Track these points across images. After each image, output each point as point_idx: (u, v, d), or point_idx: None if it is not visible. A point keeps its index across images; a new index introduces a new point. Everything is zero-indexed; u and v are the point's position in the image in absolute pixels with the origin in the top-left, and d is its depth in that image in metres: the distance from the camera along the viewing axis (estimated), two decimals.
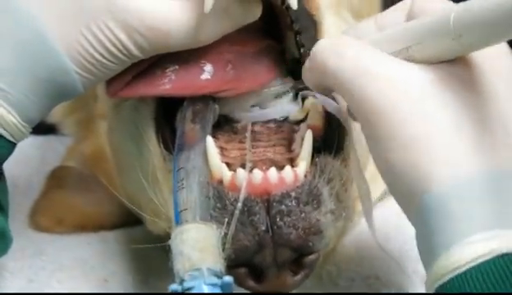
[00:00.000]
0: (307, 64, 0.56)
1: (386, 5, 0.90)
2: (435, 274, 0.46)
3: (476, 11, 0.46)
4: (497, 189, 0.46)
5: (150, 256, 0.74)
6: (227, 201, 0.56)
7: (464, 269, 0.44)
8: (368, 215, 0.63)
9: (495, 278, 0.44)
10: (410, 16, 0.54)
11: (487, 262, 0.44)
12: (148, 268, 0.75)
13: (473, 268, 0.44)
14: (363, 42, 0.53)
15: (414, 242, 0.53)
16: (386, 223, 0.65)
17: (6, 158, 0.60)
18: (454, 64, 0.49)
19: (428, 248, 0.47)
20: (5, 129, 0.57)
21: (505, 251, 0.44)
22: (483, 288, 0.43)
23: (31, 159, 0.92)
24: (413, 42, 0.50)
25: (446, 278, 0.45)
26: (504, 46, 0.50)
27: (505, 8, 0.43)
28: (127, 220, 0.80)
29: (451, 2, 0.53)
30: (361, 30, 0.57)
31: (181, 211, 0.54)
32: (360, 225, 0.68)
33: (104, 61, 0.58)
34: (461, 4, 0.47)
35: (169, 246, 0.54)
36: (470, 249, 0.44)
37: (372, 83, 0.49)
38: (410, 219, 0.50)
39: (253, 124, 0.63)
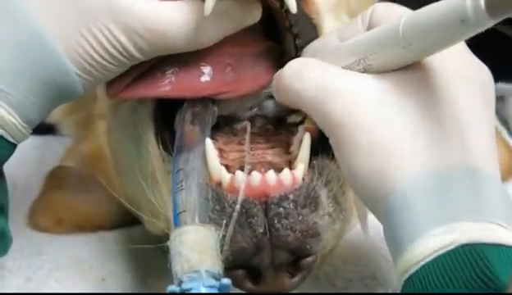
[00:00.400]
0: (274, 85, 0.59)
1: None
2: (402, 268, 0.49)
3: (422, 19, 0.48)
4: (451, 186, 0.49)
5: (148, 256, 0.74)
6: (226, 204, 0.56)
7: (428, 260, 0.47)
8: (363, 217, 0.63)
9: (456, 267, 0.46)
10: (370, 27, 0.56)
11: (450, 252, 0.47)
12: (146, 268, 0.75)
13: (437, 258, 0.47)
14: (322, 60, 0.56)
15: None
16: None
17: (7, 159, 0.60)
18: (408, 70, 0.52)
19: (395, 245, 0.50)
20: (5, 130, 0.57)
21: (464, 241, 0.46)
22: (446, 278, 0.46)
23: (30, 159, 0.92)
24: (368, 52, 0.53)
25: (412, 270, 0.48)
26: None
27: (448, 14, 0.45)
28: (126, 220, 0.80)
29: (410, 11, 0.54)
30: (324, 43, 0.60)
31: (180, 213, 0.54)
32: (357, 227, 0.68)
33: (104, 62, 0.58)
34: (409, 13, 0.50)
35: (167, 247, 0.54)
36: (432, 242, 0.47)
37: (332, 98, 0.53)
38: (378, 219, 0.53)
39: (252, 125, 0.63)
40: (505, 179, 0.82)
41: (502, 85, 0.99)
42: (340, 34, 0.58)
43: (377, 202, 0.51)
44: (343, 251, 0.74)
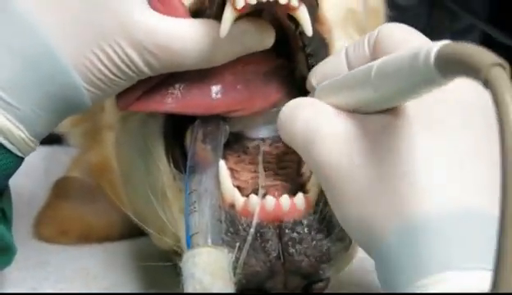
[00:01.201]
0: (277, 127, 0.58)
1: (391, 20, 0.90)
2: None
3: (388, 64, 0.46)
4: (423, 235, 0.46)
5: (153, 268, 0.74)
6: (240, 227, 0.56)
7: None
8: None
9: None
10: (375, 49, 0.54)
11: None
12: (150, 280, 0.75)
13: None
14: (315, 99, 0.55)
15: None
16: None
17: (14, 172, 0.60)
18: (387, 112, 0.49)
19: (391, 285, 0.48)
20: (13, 144, 0.57)
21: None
22: None
23: (36, 169, 0.92)
24: (349, 91, 0.51)
25: None
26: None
27: (406, 66, 0.43)
28: (131, 231, 0.80)
29: (413, 31, 0.54)
30: (331, 67, 0.59)
31: (193, 235, 0.55)
32: None
33: (113, 77, 0.58)
34: (383, 57, 0.47)
35: (179, 267, 0.54)
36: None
37: (314, 145, 0.51)
38: (372, 257, 0.51)
39: (263, 143, 0.63)
40: None
41: None
42: (348, 53, 0.57)
43: (370, 247, 0.50)
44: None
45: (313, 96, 0.58)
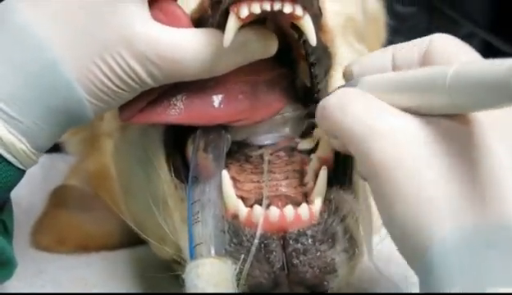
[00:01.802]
0: (318, 113, 0.56)
1: (391, 28, 0.91)
2: None
3: (470, 74, 0.46)
4: (486, 245, 0.46)
5: (152, 277, 0.74)
6: (244, 237, 0.55)
7: None
8: (368, 240, 0.63)
9: None
10: (427, 56, 0.54)
11: None
12: (149, 289, 0.75)
13: None
14: (366, 93, 0.54)
15: None
16: (389, 249, 0.65)
17: (15, 185, 0.60)
18: (454, 117, 0.50)
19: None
20: (15, 157, 0.57)
21: None
22: None
23: (34, 177, 0.91)
24: (413, 92, 0.51)
25: None
26: None
27: (499, 74, 0.43)
28: (129, 239, 0.80)
29: (465, 45, 0.54)
30: (374, 61, 0.58)
31: (196, 245, 0.54)
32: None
33: (116, 89, 0.57)
34: (460, 63, 0.47)
35: (182, 278, 0.53)
36: None
37: (372, 139, 0.50)
38: (414, 269, 0.51)
39: (266, 152, 0.63)
40: None
41: None
42: (395, 53, 0.57)
43: (415, 254, 0.49)
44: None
45: (351, 85, 0.57)
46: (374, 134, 0.50)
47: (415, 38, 0.56)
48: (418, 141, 0.49)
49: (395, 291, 0.70)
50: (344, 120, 0.52)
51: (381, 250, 0.63)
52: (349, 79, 0.59)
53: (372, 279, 0.76)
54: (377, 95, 0.53)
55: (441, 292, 0.46)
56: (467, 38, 1.00)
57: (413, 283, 0.71)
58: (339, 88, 0.58)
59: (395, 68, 0.56)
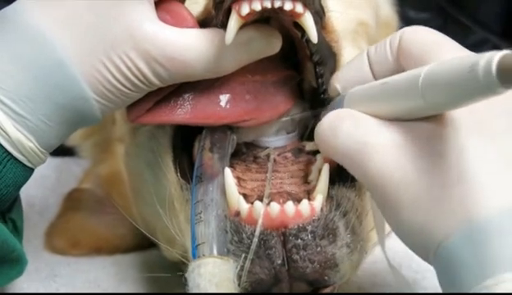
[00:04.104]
0: (315, 137, 0.57)
1: None
2: None
3: (439, 72, 0.46)
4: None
5: (162, 280, 0.74)
6: (244, 235, 0.56)
7: None
8: (382, 241, 0.63)
9: None
10: (400, 51, 0.55)
11: None
12: (160, 291, 0.75)
13: None
14: (354, 112, 0.54)
15: (426, 271, 0.52)
16: (398, 252, 0.65)
17: (24, 183, 0.61)
18: (432, 119, 0.50)
19: (456, 286, 0.48)
20: (23, 156, 0.58)
21: None
22: None
23: (47, 180, 0.92)
24: (393, 100, 0.51)
25: None
26: None
27: (464, 70, 0.43)
28: (142, 243, 0.80)
29: (438, 33, 0.54)
30: (353, 70, 0.59)
31: (199, 245, 0.55)
32: (373, 255, 0.68)
33: (123, 89, 0.58)
34: (432, 64, 0.48)
35: (185, 278, 0.54)
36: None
37: (367, 155, 0.51)
38: (429, 263, 0.52)
39: (273, 152, 0.63)
40: None
41: None
42: (370, 56, 0.57)
43: (427, 253, 0.50)
44: (359, 279, 0.73)
45: (337, 102, 0.58)
46: (364, 150, 0.52)
47: None
48: (405, 149, 0.50)
49: (405, 287, 0.70)
50: (335, 143, 0.54)
51: (392, 254, 0.63)
52: (336, 94, 0.60)
53: (383, 282, 0.76)
54: (363, 107, 0.54)
55: (463, 278, 0.47)
56: (480, 44, 1.00)
57: (420, 285, 0.71)
58: (327, 107, 0.59)
59: (373, 72, 0.57)
